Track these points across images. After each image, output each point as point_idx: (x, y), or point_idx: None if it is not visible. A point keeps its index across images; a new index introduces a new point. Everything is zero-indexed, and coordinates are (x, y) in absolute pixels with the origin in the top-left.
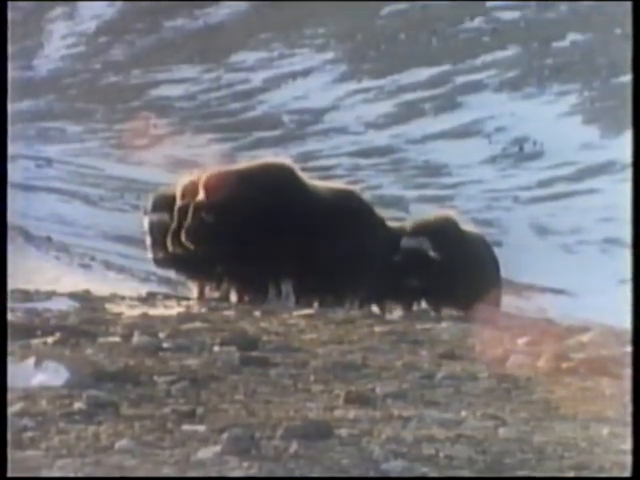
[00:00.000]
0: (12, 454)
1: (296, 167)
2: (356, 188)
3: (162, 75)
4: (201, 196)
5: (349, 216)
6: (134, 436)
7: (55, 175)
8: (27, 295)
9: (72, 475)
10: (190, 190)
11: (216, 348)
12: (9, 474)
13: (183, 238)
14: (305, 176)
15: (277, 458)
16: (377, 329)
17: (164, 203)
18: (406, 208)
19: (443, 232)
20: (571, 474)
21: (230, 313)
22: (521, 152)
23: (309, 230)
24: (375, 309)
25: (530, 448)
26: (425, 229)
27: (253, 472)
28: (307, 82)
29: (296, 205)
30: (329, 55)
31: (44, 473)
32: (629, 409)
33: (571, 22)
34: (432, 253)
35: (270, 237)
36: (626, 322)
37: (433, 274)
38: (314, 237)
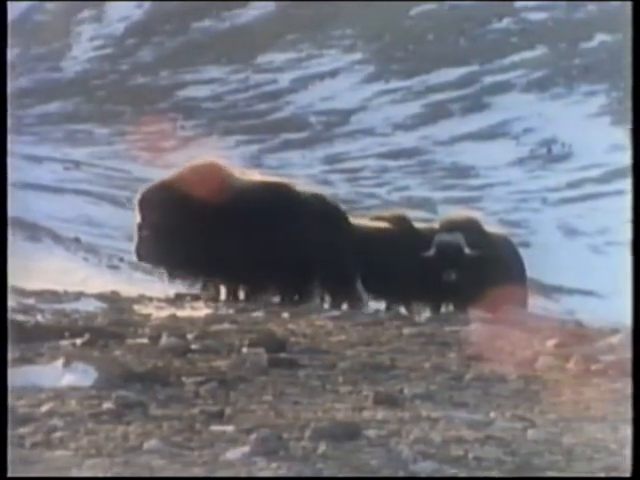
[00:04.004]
0: (42, 454)
1: (224, 164)
2: (289, 181)
3: (190, 76)
4: (137, 216)
5: (277, 210)
6: (163, 436)
7: (83, 177)
8: (56, 296)
9: (101, 475)
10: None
11: (244, 349)
12: (31, 474)
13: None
14: (237, 171)
15: (305, 459)
16: (405, 331)
17: None
18: (434, 209)
19: (471, 231)
20: (601, 476)
21: (258, 315)
22: (549, 154)
23: (238, 226)
24: (403, 311)
25: (559, 449)
26: (456, 226)
27: (281, 473)
28: (334, 83)
29: (226, 202)
30: (357, 56)
31: (73, 473)
32: None
33: (599, 22)
34: (467, 249)
35: (207, 237)
36: None
37: (467, 271)
38: (244, 233)
